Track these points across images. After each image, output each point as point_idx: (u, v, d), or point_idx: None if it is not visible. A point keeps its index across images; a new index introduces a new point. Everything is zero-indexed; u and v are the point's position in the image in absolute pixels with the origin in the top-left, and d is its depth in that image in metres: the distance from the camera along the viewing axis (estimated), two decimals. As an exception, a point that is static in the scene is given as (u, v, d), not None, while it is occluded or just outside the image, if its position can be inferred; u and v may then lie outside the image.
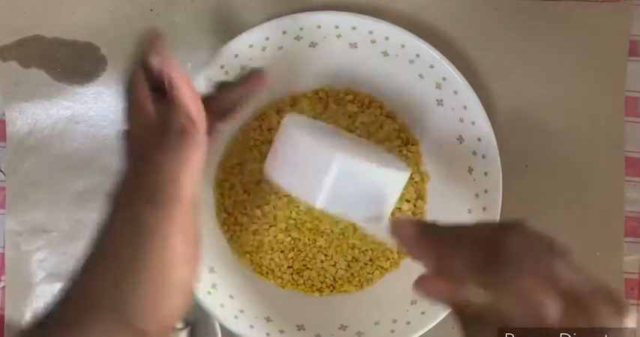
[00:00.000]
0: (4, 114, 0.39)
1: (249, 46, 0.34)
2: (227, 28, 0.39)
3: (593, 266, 0.38)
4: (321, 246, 0.37)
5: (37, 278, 0.39)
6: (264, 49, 0.34)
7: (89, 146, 0.39)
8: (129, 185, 0.25)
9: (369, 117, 0.37)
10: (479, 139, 0.33)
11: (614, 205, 0.38)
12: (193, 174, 0.25)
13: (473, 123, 0.33)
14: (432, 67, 0.34)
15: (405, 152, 0.37)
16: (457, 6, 0.39)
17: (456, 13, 0.39)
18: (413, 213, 0.37)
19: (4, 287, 0.39)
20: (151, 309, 0.23)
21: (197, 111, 0.26)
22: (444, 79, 0.34)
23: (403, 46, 0.34)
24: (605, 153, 0.38)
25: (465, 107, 0.34)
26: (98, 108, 0.39)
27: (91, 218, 0.40)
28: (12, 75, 0.39)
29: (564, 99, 0.39)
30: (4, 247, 0.39)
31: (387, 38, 0.34)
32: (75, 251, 0.39)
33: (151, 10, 0.39)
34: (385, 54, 0.35)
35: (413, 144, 0.37)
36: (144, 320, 0.23)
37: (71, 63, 0.39)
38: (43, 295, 0.39)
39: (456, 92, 0.34)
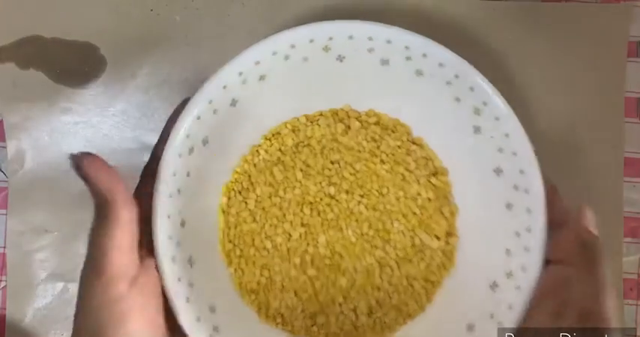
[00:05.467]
0: (1, 114, 0.39)
1: (272, 54, 0.30)
2: (227, 29, 0.39)
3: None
4: (341, 287, 0.33)
5: (39, 278, 0.39)
6: (287, 57, 0.31)
7: (88, 148, 0.39)
8: None
9: (394, 142, 0.34)
10: (521, 172, 0.30)
11: (614, 206, 0.38)
12: (122, 248, 0.24)
13: (514, 153, 0.30)
14: (471, 89, 0.31)
15: (433, 182, 0.33)
16: (456, 6, 0.39)
17: (455, 13, 0.39)
18: (443, 251, 0.33)
19: (5, 287, 0.39)
20: None
21: (107, 187, 0.24)
22: (484, 103, 0.30)
23: (441, 65, 0.31)
24: (605, 153, 0.39)
25: (506, 135, 0.30)
26: (97, 109, 0.39)
27: (91, 218, 0.40)
28: (10, 76, 0.39)
29: (563, 99, 0.39)
30: (4, 247, 0.39)
31: (424, 55, 0.31)
32: (76, 251, 0.39)
33: (151, 10, 0.39)
34: (419, 73, 0.31)
35: (442, 174, 0.33)
36: None
37: (70, 64, 0.39)
38: (44, 295, 0.39)
39: (497, 118, 0.30)
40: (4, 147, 0.39)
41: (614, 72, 0.39)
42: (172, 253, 0.28)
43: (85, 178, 0.24)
